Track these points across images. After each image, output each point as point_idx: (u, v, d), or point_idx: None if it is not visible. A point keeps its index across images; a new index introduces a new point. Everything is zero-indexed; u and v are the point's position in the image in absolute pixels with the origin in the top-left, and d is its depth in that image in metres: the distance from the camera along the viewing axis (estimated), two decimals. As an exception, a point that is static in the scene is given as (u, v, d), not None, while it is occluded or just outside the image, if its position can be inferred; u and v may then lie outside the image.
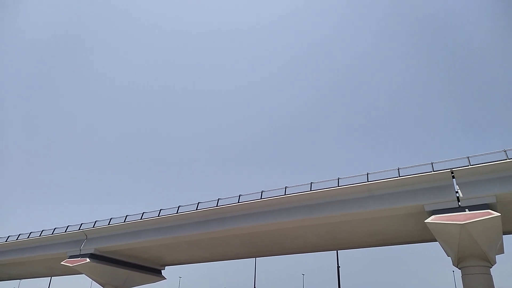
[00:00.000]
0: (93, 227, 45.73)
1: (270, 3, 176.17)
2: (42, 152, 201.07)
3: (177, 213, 39.70)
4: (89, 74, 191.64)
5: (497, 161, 26.39)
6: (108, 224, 44.67)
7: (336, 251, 43.89)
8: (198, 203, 38.63)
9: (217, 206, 37.01)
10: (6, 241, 52.53)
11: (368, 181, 30.62)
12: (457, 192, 27.17)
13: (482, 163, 26.81)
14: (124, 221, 43.51)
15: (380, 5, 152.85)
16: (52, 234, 48.54)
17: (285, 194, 33.54)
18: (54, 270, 56.79)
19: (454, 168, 27.85)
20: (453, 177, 27.80)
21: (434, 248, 30.00)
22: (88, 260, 43.41)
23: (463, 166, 27.58)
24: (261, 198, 34.62)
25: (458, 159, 28.16)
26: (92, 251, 44.46)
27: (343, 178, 31.86)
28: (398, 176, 29.77)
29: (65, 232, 47.56)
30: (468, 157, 27.79)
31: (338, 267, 44.16)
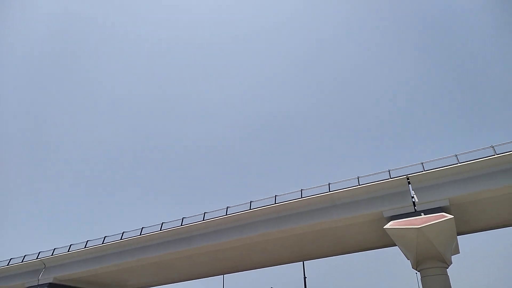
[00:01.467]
0: (52, 255, 43.81)
1: (270, 4, 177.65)
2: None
3: (140, 235, 38.93)
4: (89, 75, 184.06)
5: (449, 165, 28.08)
6: (68, 251, 42.98)
7: (302, 262, 44.50)
8: (162, 223, 38.12)
9: (181, 225, 36.68)
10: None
11: (330, 191, 31.57)
12: (413, 197, 28.59)
13: (435, 168, 28.44)
14: (85, 247, 42.05)
15: (380, 5, 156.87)
16: (7, 265, 45.99)
17: (250, 209, 33.84)
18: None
19: (409, 174, 29.32)
20: (409, 183, 29.26)
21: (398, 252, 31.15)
22: (46, 290, 41.48)
23: (417, 172, 29.11)
24: (226, 214, 34.72)
25: (413, 165, 29.70)
26: (51, 280, 42.52)
27: (306, 189, 32.68)
28: (358, 184, 30.93)
29: (22, 262, 45.23)
30: (422, 163, 29.39)
31: (305, 277, 44.68)
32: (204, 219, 35.69)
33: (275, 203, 32.92)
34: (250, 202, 34.02)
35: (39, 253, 44.85)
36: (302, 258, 41.52)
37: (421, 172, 28.80)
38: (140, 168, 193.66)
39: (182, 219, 37.09)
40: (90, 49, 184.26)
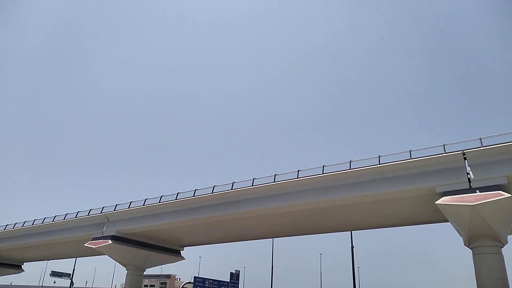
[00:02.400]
0: (114, 210, 47.39)
1: (272, 3, 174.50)
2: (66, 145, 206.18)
3: (193, 196, 40.82)
4: (90, 72, 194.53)
5: (509, 142, 26.29)
6: (128, 208, 46.22)
7: (350, 231, 44.63)
8: (213, 187, 39.59)
9: (231, 189, 37.90)
10: (32, 224, 54.91)
11: (380, 164, 30.90)
12: (468, 173, 27.25)
13: (494, 145, 26.75)
14: (143, 205, 44.94)
15: (382, 7, 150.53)
16: (75, 217, 50.53)
17: (297, 177, 34.13)
18: (79, 251, 59.25)
19: (466, 149, 27.85)
20: (465, 158, 27.83)
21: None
22: (110, 241, 45.23)
23: (475, 148, 27.58)
24: (274, 182, 35.31)
25: (470, 140, 28.13)
26: (113, 233, 46.21)
27: (355, 161, 32.20)
28: (410, 158, 29.95)
29: (88, 215, 49.45)
30: (480, 139, 27.73)
31: (352, 247, 44.91)
32: (253, 184, 36.56)
33: (322, 173, 32.89)
34: (298, 171, 34.24)
35: (103, 208, 48.67)
36: (350, 228, 41.64)
37: (478, 148, 27.23)
38: (191, 140, 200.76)
39: (232, 183, 38.26)
40: (90, 49, 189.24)
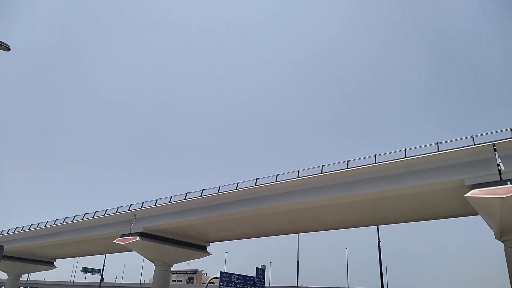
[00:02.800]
0: (141, 207, 48.30)
1: (274, 4, 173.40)
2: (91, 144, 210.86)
3: (218, 192, 41.16)
4: (91, 72, 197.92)
5: (542, 132, 25.39)
6: (155, 205, 47.03)
7: (377, 226, 44.07)
8: (237, 183, 39.80)
9: (255, 185, 38.02)
10: (63, 222, 56.58)
11: (406, 157, 30.36)
12: (498, 165, 26.41)
13: (526, 135, 25.91)
14: (169, 202, 45.63)
15: (384, 8, 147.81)
16: (104, 215, 51.77)
17: (321, 172, 33.91)
18: (108, 248, 60.78)
19: (496, 140, 27.02)
20: (495, 150, 27.00)
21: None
22: (138, 238, 46.17)
23: (505, 139, 26.72)
24: (298, 177, 35.21)
25: (500, 131, 27.26)
26: (141, 230, 47.12)
27: (380, 154, 31.71)
28: (437, 151, 29.29)
29: (116, 213, 50.58)
30: (510, 129, 26.85)
31: (379, 241, 44.31)
32: (277, 180, 36.56)
33: (347, 168, 32.57)
34: (322, 166, 33.98)
35: (130, 205, 49.67)
36: (377, 222, 41.10)
37: (509, 138, 26.37)
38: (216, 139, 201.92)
39: (256, 179, 38.36)
40: (91, 48, 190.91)
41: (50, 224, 58.58)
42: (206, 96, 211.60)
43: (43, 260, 75.27)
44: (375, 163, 31.45)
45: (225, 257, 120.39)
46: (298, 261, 68.39)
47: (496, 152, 26.94)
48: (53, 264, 78.09)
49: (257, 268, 50.81)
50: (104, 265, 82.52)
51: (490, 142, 27.14)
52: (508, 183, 25.31)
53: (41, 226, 60.04)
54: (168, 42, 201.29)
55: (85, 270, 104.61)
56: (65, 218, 56.86)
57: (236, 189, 39.66)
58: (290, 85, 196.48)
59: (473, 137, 28.15)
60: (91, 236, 52.99)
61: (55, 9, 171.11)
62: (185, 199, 44.15)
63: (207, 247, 55.22)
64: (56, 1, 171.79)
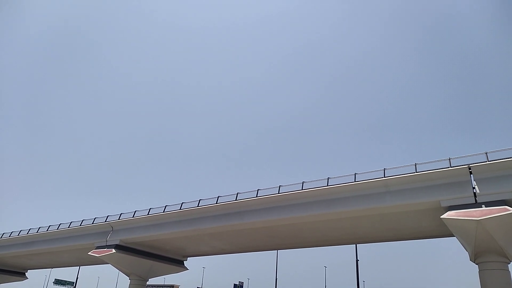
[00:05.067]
0: (119, 219, 47.48)
1: (268, 0, 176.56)
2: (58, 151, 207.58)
3: (197, 206, 40.82)
4: (92, 72, 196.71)
5: (515, 157, 26.14)
6: (133, 217, 46.32)
7: (355, 245, 44.29)
8: (218, 197, 39.60)
9: (236, 200, 37.89)
10: (37, 232, 55.10)
11: (385, 177, 30.80)
12: (474, 188, 27.05)
13: (500, 159, 26.60)
14: (148, 214, 45.01)
15: (378, 4, 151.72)
16: (80, 225, 50.66)
17: (302, 189, 34.06)
18: (82, 260, 59.31)
19: (471, 164, 27.71)
20: (471, 173, 27.67)
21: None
22: (114, 250, 45.23)
23: (481, 162, 27.41)
24: (278, 193, 35.27)
25: (476, 154, 28.01)
26: (117, 242, 46.23)
27: (360, 173, 32.11)
28: (415, 171, 29.82)
29: (92, 224, 49.58)
30: (486, 153, 27.61)
31: (357, 260, 44.56)
32: (257, 195, 36.53)
33: (327, 185, 32.82)
34: (302, 183, 34.20)
35: (107, 216, 48.80)
36: (355, 241, 41.30)
37: (484, 162, 27.08)
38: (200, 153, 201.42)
39: (237, 194, 38.26)
40: (91, 47, 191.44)
41: (23, 233, 56.97)
42: (190, 114, 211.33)
43: (14, 270, 72.82)
44: (355, 181, 31.80)
45: (202, 272, 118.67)
46: (276, 278, 68.01)
47: (471, 175, 27.61)
48: (25, 275, 75.65)
49: (235, 285, 50.35)
50: (77, 278, 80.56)
51: (466, 165, 27.83)
52: (483, 206, 25.90)
53: (14, 235, 58.32)
54: (171, 45, 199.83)
55: (57, 282, 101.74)
56: (39, 228, 55.41)
57: (217, 203, 39.45)
58: (271, 102, 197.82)
59: (449, 159, 28.85)
60: (66, 247, 51.69)
61: (56, 9, 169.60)
62: (164, 212, 43.62)
63: (184, 261, 54.46)
64: (57, 1, 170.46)
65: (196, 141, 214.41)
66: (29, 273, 76.47)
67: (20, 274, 74.42)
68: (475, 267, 29.27)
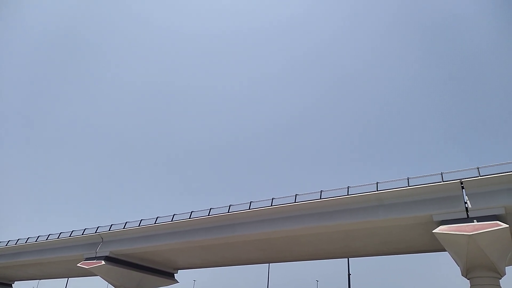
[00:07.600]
0: (109, 230, 46.91)
1: (271, 4, 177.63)
2: (51, 155, 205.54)
3: (189, 218, 40.53)
4: (91, 73, 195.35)
5: (507, 172, 26.37)
6: (124, 228, 45.79)
7: (347, 258, 44.11)
8: (210, 209, 39.38)
9: (228, 212, 37.68)
10: (25, 242, 54.22)
11: (378, 190, 30.88)
12: (466, 202, 27.23)
13: (492, 174, 26.83)
14: (139, 225, 44.54)
15: (380, 6, 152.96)
16: (69, 236, 49.95)
17: (295, 202, 34.01)
18: (71, 272, 58.26)
19: (463, 178, 27.91)
20: (463, 187, 27.87)
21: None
22: (103, 262, 44.56)
23: (473, 177, 27.62)
24: (271, 205, 35.17)
25: (468, 169, 28.24)
26: (107, 254, 45.60)
27: (353, 187, 32.19)
28: (407, 185, 29.96)
29: (82, 235, 48.91)
30: (478, 168, 27.85)
31: (349, 274, 44.27)
32: (250, 208, 36.38)
33: (320, 198, 32.80)
34: (295, 195, 34.17)
35: (98, 227, 48.19)
36: (347, 254, 41.14)
37: (476, 177, 27.29)
38: (189, 163, 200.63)
39: (229, 206, 38.09)
40: (91, 47, 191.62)
41: (11, 244, 56.00)
42: (184, 123, 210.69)
43: (1, 282, 71.35)
44: (348, 195, 31.84)
45: (193, 285, 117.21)
46: (268, 292, 67.33)
47: (463, 190, 27.80)
48: (12, 286, 74.10)
49: (225, 298, 49.64)
50: (65, 290, 78.87)
51: (458, 179, 28.02)
52: (475, 220, 26.03)
53: (2, 245, 57.30)
54: (172, 49, 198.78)
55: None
56: (28, 238, 54.53)
57: (209, 215, 39.20)
58: (262, 113, 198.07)
59: (442, 173, 29.05)
60: (54, 258, 50.83)
61: (55, 9, 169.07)
62: (155, 223, 43.22)
63: (175, 274, 53.78)
64: (57, 1, 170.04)
65: (189, 151, 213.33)
66: (16, 285, 74.93)
67: (6, 285, 72.83)
68: (466, 282, 29.27)
